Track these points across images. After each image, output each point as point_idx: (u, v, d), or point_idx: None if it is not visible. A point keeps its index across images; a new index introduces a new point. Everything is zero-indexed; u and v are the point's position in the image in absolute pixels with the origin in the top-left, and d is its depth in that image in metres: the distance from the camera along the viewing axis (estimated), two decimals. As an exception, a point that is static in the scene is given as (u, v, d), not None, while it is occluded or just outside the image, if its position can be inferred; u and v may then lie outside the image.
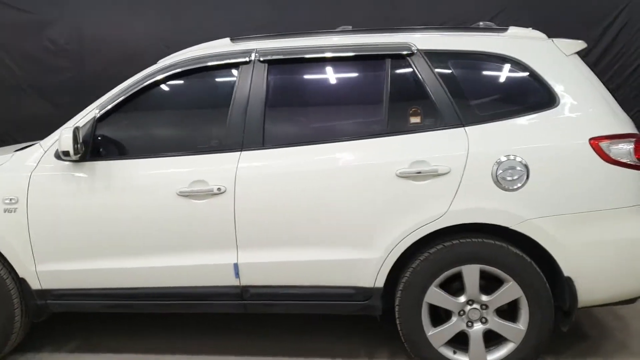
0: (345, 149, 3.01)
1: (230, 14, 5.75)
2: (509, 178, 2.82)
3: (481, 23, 3.37)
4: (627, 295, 2.99)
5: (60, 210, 3.16)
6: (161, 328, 3.77)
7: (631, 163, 2.83)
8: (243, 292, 3.10)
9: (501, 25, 3.29)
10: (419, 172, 2.87)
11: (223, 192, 3.00)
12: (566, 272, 2.86)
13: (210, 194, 3.00)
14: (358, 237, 2.96)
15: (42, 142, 3.31)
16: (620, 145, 2.83)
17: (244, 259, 3.04)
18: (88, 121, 3.17)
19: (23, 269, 3.22)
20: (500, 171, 2.83)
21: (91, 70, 5.94)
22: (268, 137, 3.08)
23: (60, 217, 3.16)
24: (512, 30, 3.17)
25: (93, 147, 3.17)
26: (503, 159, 2.84)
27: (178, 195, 3.03)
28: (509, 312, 2.99)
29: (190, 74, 3.26)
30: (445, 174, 2.86)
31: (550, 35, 3.13)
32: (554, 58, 3.01)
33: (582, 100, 2.95)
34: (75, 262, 3.18)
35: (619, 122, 2.92)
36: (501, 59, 3.05)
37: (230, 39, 3.34)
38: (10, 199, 3.18)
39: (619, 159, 2.82)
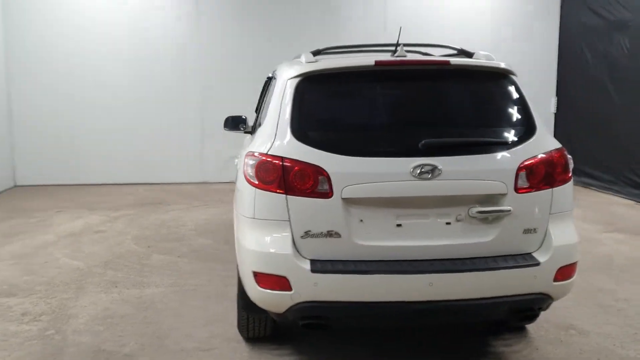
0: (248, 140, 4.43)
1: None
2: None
3: None
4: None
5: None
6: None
7: (250, 180, 3.17)
8: None
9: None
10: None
11: None
12: None
13: None
14: None
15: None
16: (249, 162, 3.20)
17: None
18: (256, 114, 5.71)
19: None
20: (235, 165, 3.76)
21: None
22: None
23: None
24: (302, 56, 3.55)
25: (253, 128, 5.68)
26: (236, 158, 3.77)
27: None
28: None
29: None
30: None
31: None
32: (281, 82, 3.41)
33: (268, 121, 3.36)
34: None
35: (268, 142, 3.18)
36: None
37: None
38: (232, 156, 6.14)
39: (246, 173, 3.22)
